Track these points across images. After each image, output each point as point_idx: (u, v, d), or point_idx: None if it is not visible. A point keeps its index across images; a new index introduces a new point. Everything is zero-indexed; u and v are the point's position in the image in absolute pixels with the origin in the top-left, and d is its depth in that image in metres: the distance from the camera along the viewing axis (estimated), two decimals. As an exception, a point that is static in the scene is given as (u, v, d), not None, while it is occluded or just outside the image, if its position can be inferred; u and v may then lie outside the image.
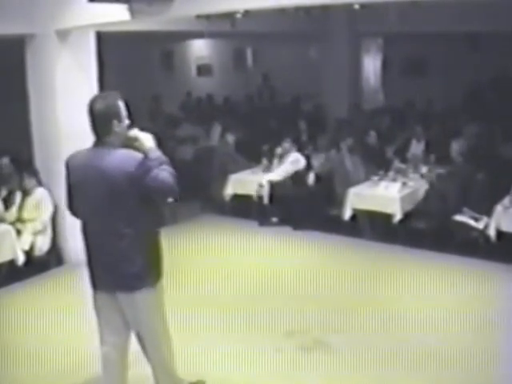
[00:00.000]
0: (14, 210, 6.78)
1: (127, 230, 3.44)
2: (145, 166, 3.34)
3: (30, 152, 7.22)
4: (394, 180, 7.67)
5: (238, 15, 7.74)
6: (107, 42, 8.01)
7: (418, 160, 8.40)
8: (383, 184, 7.61)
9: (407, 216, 7.29)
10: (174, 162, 3.56)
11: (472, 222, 6.80)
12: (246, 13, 7.42)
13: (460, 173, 7.39)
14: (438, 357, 4.64)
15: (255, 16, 7.79)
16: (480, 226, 6.73)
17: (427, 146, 8.81)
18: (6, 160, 7.26)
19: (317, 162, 8.74)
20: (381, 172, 7.83)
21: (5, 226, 6.45)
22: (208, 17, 7.60)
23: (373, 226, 7.52)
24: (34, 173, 6.91)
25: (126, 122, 3.52)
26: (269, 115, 12.42)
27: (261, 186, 8.31)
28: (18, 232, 6.57)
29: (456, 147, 8.38)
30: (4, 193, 6.96)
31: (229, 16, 7.79)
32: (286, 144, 8.44)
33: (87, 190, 3.48)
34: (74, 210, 3.76)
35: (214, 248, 7.14)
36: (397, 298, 5.82)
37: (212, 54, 16.68)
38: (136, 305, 3.56)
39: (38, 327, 5.33)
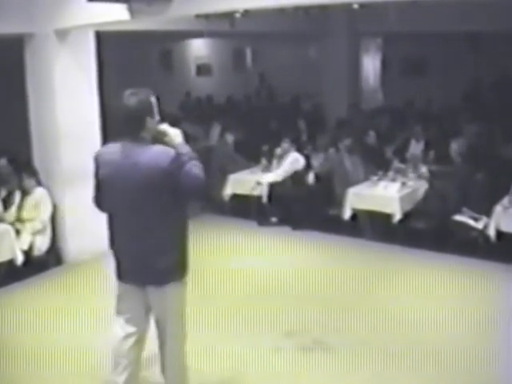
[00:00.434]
0: (13, 209, 6.77)
1: (159, 224, 3.49)
2: (178, 161, 3.39)
3: (28, 152, 7.21)
4: (394, 180, 7.67)
5: (238, 15, 7.73)
6: (106, 42, 8.01)
7: (418, 160, 8.40)
8: (382, 184, 7.61)
9: (407, 216, 7.29)
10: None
11: (471, 222, 6.80)
12: (246, 12, 7.41)
13: (459, 173, 7.39)
14: (437, 357, 4.63)
15: (254, 16, 7.78)
16: (479, 225, 6.73)
17: (426, 145, 8.80)
18: (3, 161, 7.24)
19: (316, 161, 8.74)
20: (380, 172, 7.83)
21: (4, 226, 6.43)
22: (207, 16, 7.59)
23: (372, 226, 7.52)
24: (33, 173, 6.90)
25: (157, 117, 3.55)
26: (268, 115, 12.41)
27: (258, 183, 8.31)
28: (17, 232, 6.56)
29: (455, 147, 8.38)
30: (3, 193, 6.95)
31: (228, 16, 7.79)
32: (285, 144, 8.43)
33: (120, 185, 3.49)
34: (101, 204, 3.74)
35: (213, 248, 7.12)
36: (396, 297, 5.81)
37: (211, 53, 16.68)
38: (165, 298, 3.62)
39: (36, 327, 5.32)
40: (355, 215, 7.56)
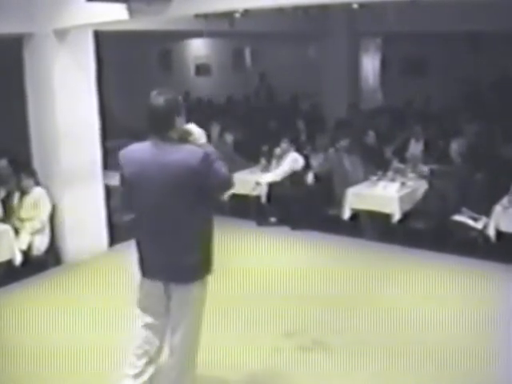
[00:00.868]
0: (12, 209, 6.76)
1: (186, 222, 3.53)
2: (207, 161, 3.43)
3: (27, 152, 7.20)
4: (393, 180, 7.66)
5: (237, 15, 7.72)
6: (106, 42, 7.99)
7: (417, 160, 8.40)
8: (382, 184, 7.60)
9: (406, 216, 7.29)
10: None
11: (471, 222, 6.79)
12: (245, 12, 7.41)
13: (459, 173, 7.39)
14: (437, 357, 4.63)
15: (254, 15, 7.77)
16: (479, 225, 6.73)
17: (426, 145, 8.80)
18: (3, 162, 7.22)
19: (315, 161, 8.73)
20: (379, 172, 7.83)
21: (2, 226, 6.43)
22: (206, 16, 7.58)
23: (372, 226, 7.52)
24: (32, 173, 6.89)
25: (184, 117, 3.58)
26: (267, 115, 12.40)
27: (257, 184, 8.31)
28: (16, 232, 6.55)
29: (455, 147, 8.38)
30: (2, 194, 6.94)
31: (227, 15, 7.78)
32: (284, 144, 8.42)
33: (147, 183, 3.51)
34: (127, 203, 3.79)
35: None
36: (396, 297, 5.81)
37: (210, 53, 16.68)
38: (188, 296, 3.66)
39: (35, 327, 5.31)
40: (355, 215, 7.56)
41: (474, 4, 8.24)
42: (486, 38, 12.37)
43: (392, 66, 15.03)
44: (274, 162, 8.58)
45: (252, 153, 9.29)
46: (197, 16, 7.43)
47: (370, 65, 15.75)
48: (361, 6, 7.79)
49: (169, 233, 3.57)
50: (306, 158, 8.61)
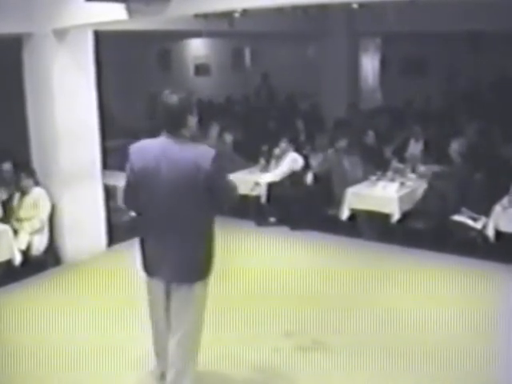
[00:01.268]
0: (11, 209, 6.76)
1: (192, 223, 3.57)
2: (218, 162, 3.48)
3: (27, 152, 7.19)
4: (392, 180, 7.66)
5: (236, 14, 7.71)
6: (105, 42, 7.99)
7: (417, 160, 8.39)
8: (381, 184, 7.60)
9: (405, 216, 7.29)
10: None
11: (470, 222, 6.79)
12: (244, 12, 7.39)
13: (458, 173, 7.38)
14: (437, 357, 4.63)
15: (253, 15, 7.76)
16: (478, 226, 6.73)
17: (425, 145, 8.80)
18: (8, 165, 7.18)
19: (315, 161, 8.73)
20: (379, 172, 7.82)
21: (2, 226, 6.42)
22: (206, 16, 7.57)
23: (371, 226, 7.51)
24: (32, 173, 6.89)
25: (196, 116, 3.64)
26: (267, 115, 12.40)
27: (257, 184, 8.30)
28: (15, 232, 6.54)
29: (455, 147, 8.37)
30: (4, 196, 6.93)
31: (227, 15, 7.76)
32: (284, 144, 8.42)
33: (156, 179, 3.53)
34: (131, 201, 3.81)
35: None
36: (395, 298, 5.81)
37: (210, 53, 16.67)
38: (189, 296, 3.69)
39: (35, 327, 5.31)
40: (354, 215, 7.55)
41: (474, 4, 8.23)
42: (485, 37, 12.37)
43: (391, 65, 15.03)
44: (273, 162, 8.58)
45: (251, 153, 9.28)
46: (196, 16, 7.42)
47: (369, 65, 15.75)
48: (360, 5, 7.77)
49: (173, 231, 3.58)
50: (306, 158, 8.61)
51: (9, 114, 8.21)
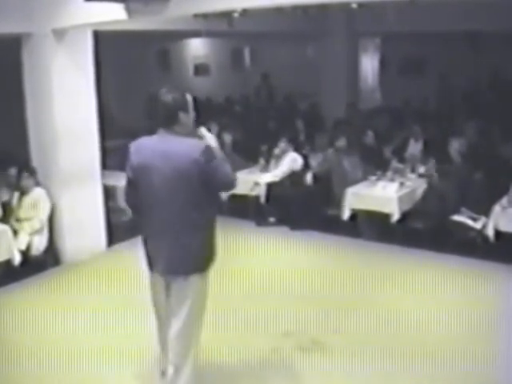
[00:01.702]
0: (11, 209, 6.75)
1: (188, 216, 3.64)
2: (209, 153, 3.59)
3: (26, 152, 7.19)
4: (392, 180, 7.66)
5: (236, 14, 7.71)
6: (104, 42, 7.98)
7: (416, 160, 8.39)
8: (381, 184, 7.60)
9: (405, 216, 7.29)
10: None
11: (470, 222, 6.79)
12: (244, 12, 7.39)
13: (458, 172, 7.38)
14: (437, 357, 4.62)
15: (253, 15, 7.77)
16: (478, 225, 6.73)
17: (425, 145, 8.79)
18: (14, 170, 7.17)
19: (314, 161, 8.73)
20: (379, 172, 7.82)
21: (1, 226, 6.41)
22: (205, 16, 7.57)
23: (371, 226, 7.51)
24: (32, 172, 6.88)
25: (192, 114, 3.77)
26: (266, 115, 12.39)
27: (256, 184, 8.30)
28: (15, 232, 6.54)
29: (455, 146, 8.36)
30: (6, 197, 6.92)
31: (226, 15, 7.77)
32: (283, 144, 8.42)
33: (153, 174, 3.65)
34: (132, 198, 3.90)
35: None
36: (394, 298, 5.80)
37: (209, 53, 16.66)
38: (186, 289, 3.74)
39: (34, 327, 5.30)
40: (353, 215, 7.55)
41: (474, 4, 8.23)
42: (485, 37, 12.36)
43: (391, 65, 15.03)
44: (272, 162, 8.58)
45: (251, 153, 9.28)
46: (195, 16, 7.42)
47: (369, 64, 15.76)
48: (360, 5, 7.78)
49: (170, 224, 3.67)
50: (305, 157, 8.61)
51: (8, 114, 8.21)
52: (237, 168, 8.78)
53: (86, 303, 5.77)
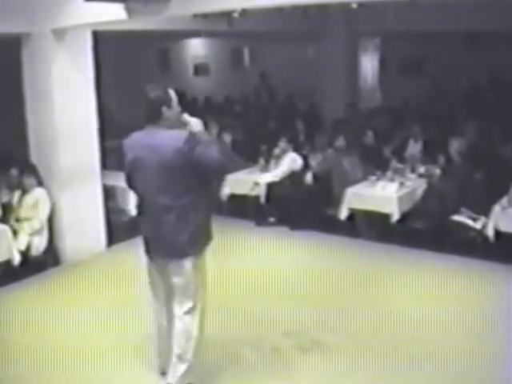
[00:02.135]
0: (11, 209, 6.75)
1: (181, 201, 3.83)
2: (192, 141, 3.75)
3: (26, 152, 7.19)
4: (392, 180, 7.66)
5: (236, 14, 7.70)
6: (104, 41, 7.98)
7: (416, 160, 8.39)
8: (381, 184, 7.60)
9: (405, 216, 7.28)
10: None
11: (470, 222, 6.79)
12: (244, 12, 7.39)
13: (458, 173, 7.38)
14: (436, 357, 4.63)
15: (252, 15, 7.76)
16: (478, 226, 6.73)
17: (425, 145, 8.79)
18: (15, 171, 7.16)
19: (314, 161, 8.72)
20: (378, 172, 7.82)
21: (1, 226, 6.41)
22: (205, 16, 7.57)
23: (370, 226, 7.51)
24: (33, 171, 6.87)
25: (177, 109, 3.98)
26: (266, 115, 12.38)
27: (256, 184, 8.30)
28: (14, 232, 6.54)
29: (455, 146, 8.36)
30: (6, 197, 6.92)
31: (226, 15, 7.76)
32: (283, 144, 8.42)
33: (144, 166, 3.88)
34: (131, 185, 4.14)
35: (211, 248, 7.07)
36: (394, 298, 5.80)
37: (209, 53, 16.67)
38: (178, 272, 3.92)
39: (34, 327, 5.31)
40: (353, 215, 7.55)
41: (473, 4, 8.23)
42: (485, 37, 12.37)
43: (391, 65, 15.03)
44: (272, 162, 8.58)
45: (250, 153, 9.27)
46: (195, 16, 7.42)
47: (368, 64, 15.76)
48: (360, 5, 7.76)
49: (162, 212, 3.86)
50: (305, 158, 8.61)
51: (8, 115, 8.21)
52: (237, 168, 8.86)
53: (86, 303, 5.77)
